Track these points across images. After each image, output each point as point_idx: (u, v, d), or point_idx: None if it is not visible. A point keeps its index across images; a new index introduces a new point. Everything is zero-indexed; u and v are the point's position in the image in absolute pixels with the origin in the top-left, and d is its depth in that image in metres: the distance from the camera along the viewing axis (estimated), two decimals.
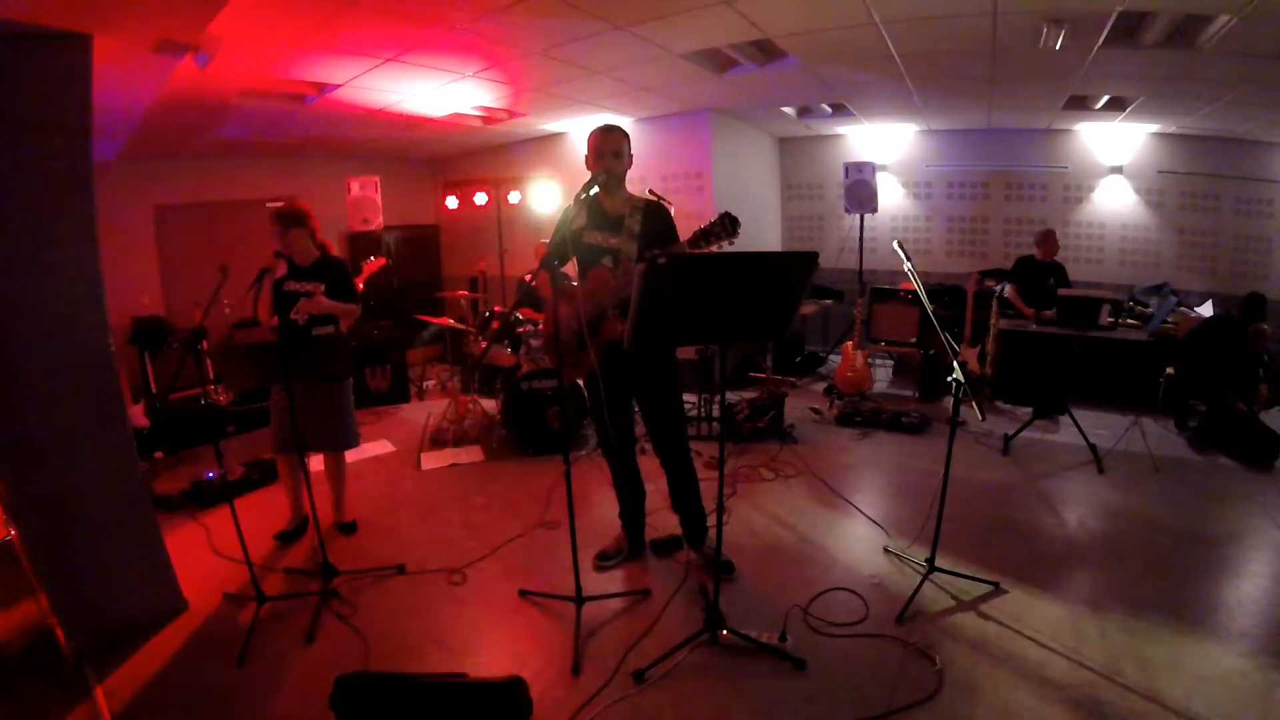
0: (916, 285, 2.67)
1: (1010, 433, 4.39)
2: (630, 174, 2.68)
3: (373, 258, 4.39)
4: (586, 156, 2.59)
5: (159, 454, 4.49)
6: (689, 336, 2.49)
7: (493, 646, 2.43)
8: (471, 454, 4.43)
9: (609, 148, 2.55)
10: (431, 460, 4.35)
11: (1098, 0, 3.05)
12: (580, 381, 3.36)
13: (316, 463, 3.40)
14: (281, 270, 3.05)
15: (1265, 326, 4.33)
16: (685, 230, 2.67)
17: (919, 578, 2.65)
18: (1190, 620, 2.45)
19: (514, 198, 6.65)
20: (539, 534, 3.26)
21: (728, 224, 2.25)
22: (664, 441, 2.79)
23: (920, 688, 2.09)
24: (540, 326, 4.64)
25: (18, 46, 2.15)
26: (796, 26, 3.61)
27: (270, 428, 3.17)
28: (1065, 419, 4.44)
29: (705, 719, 2.03)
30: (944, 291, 6.21)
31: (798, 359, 6.52)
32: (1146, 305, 5.55)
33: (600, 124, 2.60)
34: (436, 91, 4.62)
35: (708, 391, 4.82)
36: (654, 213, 2.60)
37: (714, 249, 2.29)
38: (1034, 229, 5.79)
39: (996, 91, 4.94)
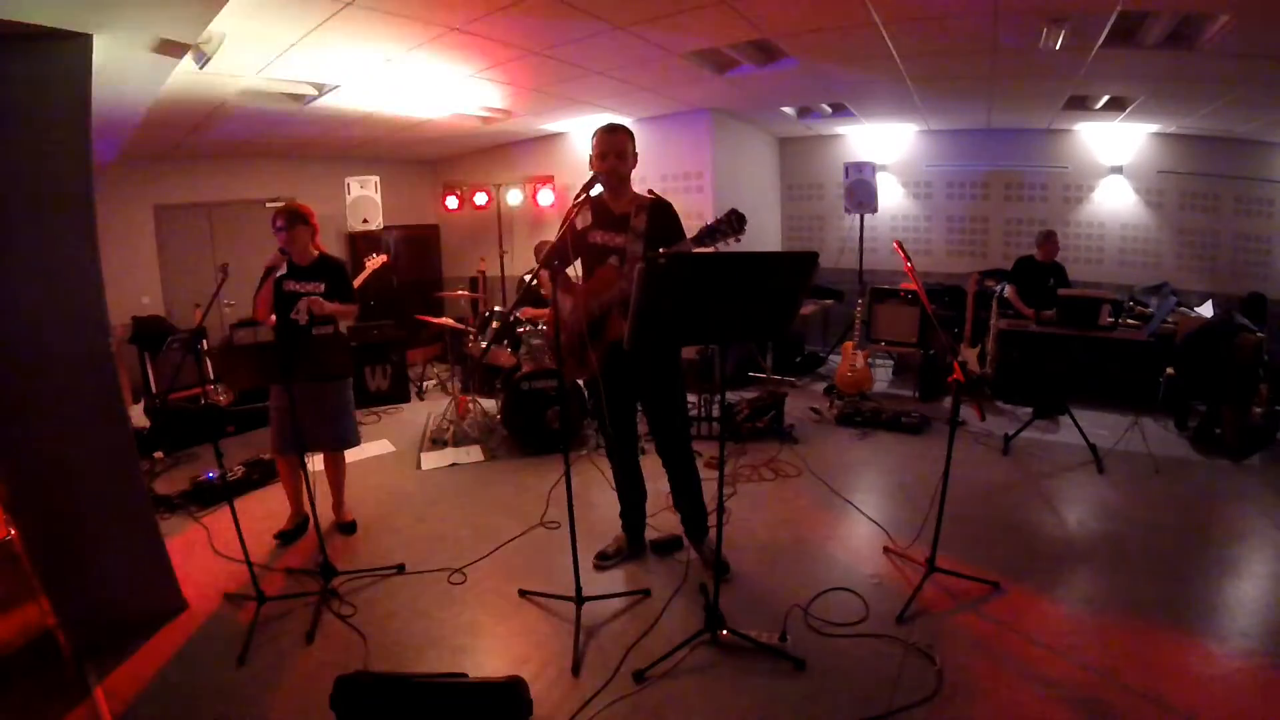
0: (917, 285, 2.67)
1: (1010, 433, 4.39)
2: (632, 173, 2.67)
3: (375, 255, 4.40)
4: (590, 157, 2.58)
5: (159, 454, 4.49)
6: (689, 336, 2.49)
7: (493, 646, 2.43)
8: (471, 454, 4.43)
9: (612, 148, 2.54)
10: (431, 460, 4.35)
11: (1098, 0, 3.05)
12: (581, 381, 3.31)
13: (316, 462, 3.40)
14: (282, 268, 3.05)
15: (1252, 336, 4.31)
16: (688, 231, 2.67)
17: (919, 578, 2.65)
18: (1190, 620, 2.45)
19: (514, 198, 6.66)
20: (539, 534, 3.26)
21: (734, 221, 2.24)
22: (667, 440, 2.79)
23: (920, 688, 2.08)
24: (542, 326, 4.63)
25: (18, 46, 2.15)
26: (796, 26, 3.61)
27: (270, 428, 3.17)
28: (1065, 419, 4.44)
29: (705, 719, 2.03)
30: (944, 291, 6.22)
31: (798, 359, 6.52)
32: (1146, 305, 5.55)
33: (604, 123, 2.59)
34: (436, 92, 4.63)
35: (708, 391, 4.82)
36: (659, 211, 2.59)
37: (720, 246, 2.28)
38: (1034, 229, 5.80)
39: (996, 91, 4.94)
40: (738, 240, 2.26)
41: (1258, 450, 4.11)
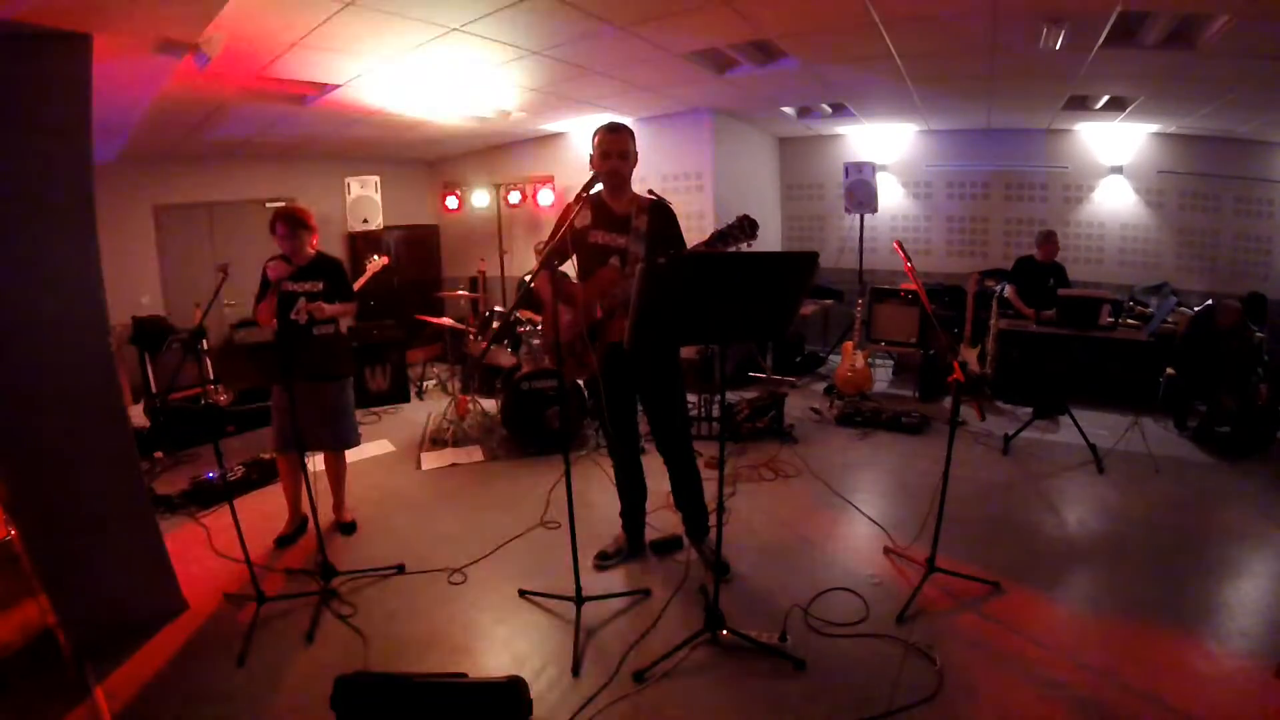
0: (917, 285, 2.67)
1: (1010, 433, 4.39)
2: (632, 173, 2.66)
3: (375, 257, 4.40)
4: (591, 156, 2.57)
5: (159, 454, 4.49)
6: (689, 336, 2.50)
7: (493, 646, 2.42)
8: (471, 454, 4.43)
9: (615, 148, 2.53)
10: (431, 460, 4.35)
11: (1097, 0, 3.05)
12: (581, 381, 3.28)
13: (316, 462, 3.40)
14: (283, 271, 3.05)
15: (1234, 304, 4.32)
16: (687, 231, 2.67)
17: (919, 578, 2.65)
18: (1190, 620, 2.45)
19: (514, 198, 6.66)
20: (539, 534, 3.26)
21: (747, 226, 2.24)
22: (667, 440, 2.79)
23: (920, 688, 2.09)
24: (540, 326, 4.63)
25: (18, 46, 2.15)
26: (796, 26, 3.61)
27: (270, 427, 3.17)
28: (1065, 419, 4.44)
29: (705, 719, 2.03)
30: (944, 291, 6.22)
31: (798, 359, 6.52)
32: (1146, 305, 5.55)
33: (605, 123, 2.58)
34: (437, 92, 4.62)
35: (708, 391, 4.82)
36: (660, 212, 2.59)
37: (732, 250, 2.28)
38: (1034, 229, 5.80)
39: (996, 91, 4.94)
40: (749, 245, 2.26)
41: (1258, 450, 4.11)
